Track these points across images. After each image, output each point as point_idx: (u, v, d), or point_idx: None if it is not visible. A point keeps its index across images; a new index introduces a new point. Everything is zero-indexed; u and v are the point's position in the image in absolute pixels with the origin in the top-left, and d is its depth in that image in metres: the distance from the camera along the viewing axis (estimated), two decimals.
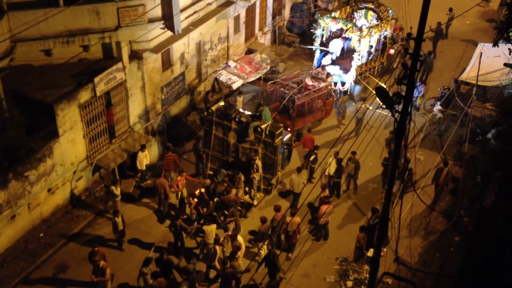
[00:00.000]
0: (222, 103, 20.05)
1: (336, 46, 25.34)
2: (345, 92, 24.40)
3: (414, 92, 15.51)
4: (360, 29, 24.05)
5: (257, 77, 23.89)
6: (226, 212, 18.01)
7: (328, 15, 25.06)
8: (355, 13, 26.29)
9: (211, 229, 16.87)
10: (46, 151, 17.25)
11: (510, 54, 18.28)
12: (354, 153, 18.87)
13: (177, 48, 21.77)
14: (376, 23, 25.09)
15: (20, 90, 16.98)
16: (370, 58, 25.40)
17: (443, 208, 19.60)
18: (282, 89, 22.96)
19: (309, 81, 23.07)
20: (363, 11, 26.30)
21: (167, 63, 21.71)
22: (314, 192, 16.67)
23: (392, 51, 25.74)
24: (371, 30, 24.18)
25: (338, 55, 25.50)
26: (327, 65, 24.72)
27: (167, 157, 19.52)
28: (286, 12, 29.51)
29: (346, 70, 24.72)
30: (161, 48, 20.30)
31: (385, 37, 25.53)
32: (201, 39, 23.08)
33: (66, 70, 17.76)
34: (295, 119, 22.17)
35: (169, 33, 20.10)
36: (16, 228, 17.19)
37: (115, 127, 19.60)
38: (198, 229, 17.68)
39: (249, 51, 26.43)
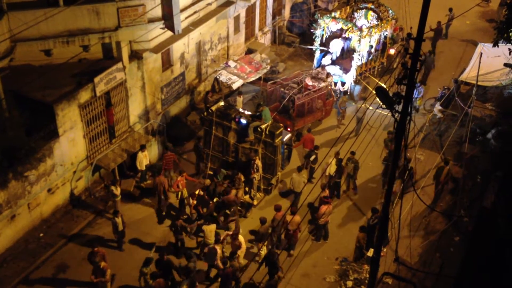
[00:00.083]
0: (222, 103, 20.05)
1: (336, 46, 25.34)
2: (345, 92, 24.40)
3: (414, 93, 15.51)
4: (360, 29, 24.05)
5: (257, 77, 23.89)
6: (227, 212, 18.01)
7: (328, 15, 25.05)
8: (355, 13, 26.30)
9: (210, 229, 16.89)
10: (46, 151, 17.25)
11: (510, 54, 18.29)
12: (353, 153, 18.88)
13: (177, 48, 21.77)
14: (376, 23, 25.09)
15: (20, 90, 16.97)
16: (370, 58, 25.40)
17: (443, 208, 19.60)
18: (282, 89, 22.96)
19: (309, 81, 23.07)
20: (363, 11, 26.31)
21: (167, 63, 21.71)
22: (314, 192, 16.67)
23: (392, 51, 25.74)
24: (371, 30, 24.18)
25: (338, 55, 25.49)
26: (327, 65, 24.72)
27: (166, 156, 19.58)
28: (286, 12, 29.51)
29: (346, 70, 24.72)
30: (161, 48, 20.30)
31: (385, 37, 25.53)
32: (201, 39, 23.08)
33: (66, 70, 17.76)
34: (295, 119, 22.16)
35: (169, 33, 20.10)
36: (16, 228, 17.19)
37: (115, 127, 19.60)
38: (198, 228, 17.68)
39: (249, 51, 26.43)
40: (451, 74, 25.72)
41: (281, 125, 19.69)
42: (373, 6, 25.91)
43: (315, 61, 25.66)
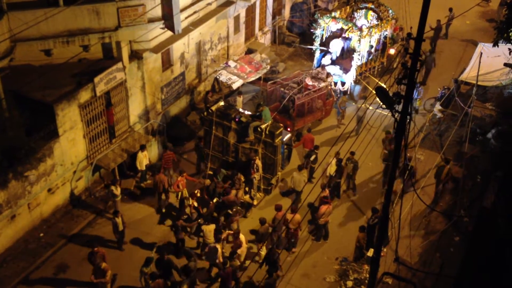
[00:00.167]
0: (222, 103, 20.05)
1: (336, 46, 25.34)
2: (345, 92, 24.39)
3: (414, 93, 15.49)
4: (360, 29, 24.05)
5: (257, 77, 23.89)
6: (229, 212, 18.01)
7: (328, 15, 25.05)
8: (355, 13, 26.30)
9: (210, 229, 16.92)
10: (46, 151, 17.25)
11: (510, 54, 18.29)
12: (353, 153, 18.88)
13: (177, 48, 21.77)
14: (376, 23, 25.09)
15: (20, 90, 16.97)
16: (370, 58, 25.40)
17: (443, 208, 19.60)
18: (282, 89, 22.96)
19: (309, 81, 23.07)
20: (363, 11, 26.31)
21: (167, 63, 21.71)
22: (314, 192, 16.67)
23: (392, 51, 25.74)
24: (371, 30, 24.18)
25: (338, 55, 25.49)
26: (327, 65, 24.72)
27: (165, 156, 19.67)
28: (286, 12, 29.51)
29: (346, 70, 24.71)
30: (161, 48, 20.30)
31: (385, 37, 25.53)
32: (201, 39, 23.08)
33: (66, 70, 17.77)
34: (295, 119, 22.16)
35: (169, 33, 20.10)
36: (16, 228, 17.19)
37: (115, 127, 19.60)
38: (199, 228, 17.68)
39: (249, 51, 26.43)
40: (451, 74, 25.71)
41: (281, 125, 19.69)
42: (373, 6, 25.91)
43: (315, 61, 25.66)
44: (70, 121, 17.72)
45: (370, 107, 21.26)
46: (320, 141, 22.12)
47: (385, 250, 16.75)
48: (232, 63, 23.83)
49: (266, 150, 19.20)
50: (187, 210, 18.04)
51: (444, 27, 28.98)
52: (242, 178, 18.74)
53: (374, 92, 10.89)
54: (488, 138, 22.01)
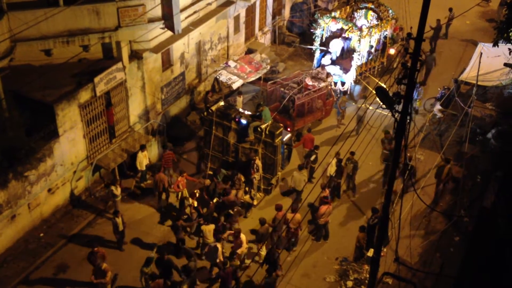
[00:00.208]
0: (222, 103, 20.05)
1: (335, 46, 25.34)
2: (345, 92, 24.39)
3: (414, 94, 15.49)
4: (360, 29, 24.05)
5: (257, 77, 23.89)
6: (231, 212, 18.01)
7: (328, 15, 25.06)
8: (355, 13, 26.30)
9: (209, 229, 16.94)
10: (46, 151, 17.24)
11: (510, 54, 18.29)
12: (353, 153, 18.87)
13: (177, 48, 21.77)
14: (376, 23, 25.09)
15: (20, 90, 16.97)
16: (370, 58, 25.40)
17: (443, 208, 19.60)
18: (282, 89, 22.96)
19: (309, 81, 23.07)
20: (363, 11, 26.31)
21: (167, 63, 21.70)
22: (314, 192, 16.67)
23: (392, 51, 25.75)
24: (371, 30, 24.18)
25: (338, 55, 25.49)
26: (327, 65, 24.72)
27: (165, 155, 19.72)
28: (286, 12, 29.51)
29: (346, 70, 24.71)
30: (161, 48, 20.30)
31: (385, 37, 25.53)
32: (201, 39, 23.08)
33: (66, 70, 17.77)
34: (295, 119, 22.16)
35: (169, 33, 20.10)
36: (16, 228, 17.19)
37: (115, 127, 19.60)
38: (198, 227, 17.69)
39: (249, 51, 26.43)
40: (451, 74, 25.72)
41: (281, 125, 19.69)
42: (373, 6, 25.92)
43: (315, 61, 25.66)
44: (70, 121, 17.72)
45: (370, 107, 21.26)
46: (320, 141, 22.13)
47: (385, 250, 16.74)
48: (232, 63, 23.83)
49: (266, 150, 19.20)
50: (187, 210, 18.06)
51: (444, 27, 28.98)
52: (242, 178, 18.74)
53: (374, 92, 10.89)
54: (488, 138, 22.01)
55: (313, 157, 20.13)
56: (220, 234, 16.83)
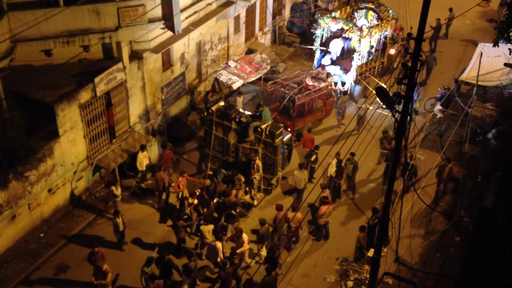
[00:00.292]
0: (222, 103, 20.05)
1: (336, 46, 25.34)
2: (345, 92, 24.40)
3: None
4: (361, 29, 24.05)
5: (257, 77, 23.88)
6: (233, 212, 18.00)
7: (328, 15, 25.07)
8: (355, 13, 26.30)
9: (208, 229, 16.97)
10: (47, 151, 17.25)
11: (510, 54, 18.29)
12: (353, 154, 18.86)
13: (177, 48, 21.77)
14: (377, 23, 25.09)
15: (20, 90, 16.98)
16: (370, 58, 25.40)
17: (444, 208, 19.60)
18: (282, 89, 22.96)
19: (309, 81, 23.07)
20: (363, 11, 26.31)
21: (167, 63, 21.71)
22: (314, 192, 16.67)
23: (392, 51, 25.74)
24: (371, 30, 24.18)
25: (338, 55, 25.49)
26: (327, 65, 24.72)
27: (164, 155, 19.78)
28: (286, 12, 29.51)
29: (346, 70, 24.71)
30: (161, 48, 20.30)
31: (385, 37, 25.53)
32: (201, 39, 23.08)
33: (66, 70, 17.78)
34: (295, 119, 22.16)
35: (169, 33, 20.10)
36: (16, 229, 17.19)
37: (116, 127, 19.60)
38: (198, 226, 17.71)
39: (249, 51, 26.43)
40: (451, 74, 25.71)
41: (281, 125, 19.69)
42: (373, 6, 25.92)
43: (315, 61, 25.66)
44: (71, 121, 17.72)
45: (371, 107, 21.26)
46: (320, 141, 22.12)
47: (385, 250, 16.75)
48: (232, 63, 23.83)
49: (266, 150, 19.20)
50: (187, 210, 18.07)
51: (444, 27, 28.99)
52: (242, 179, 18.74)
53: (374, 92, 10.89)
54: (489, 138, 22.01)
55: (313, 157, 20.13)
56: (221, 234, 16.83)
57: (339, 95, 24.09)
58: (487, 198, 18.07)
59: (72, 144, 18.08)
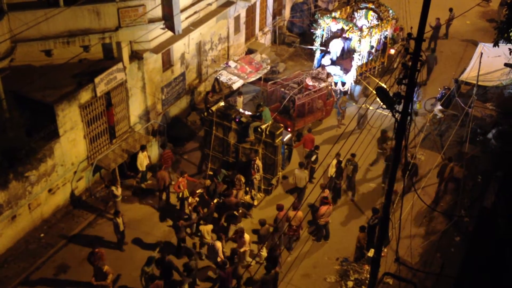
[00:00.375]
0: (222, 104, 20.05)
1: (336, 46, 25.34)
2: (345, 92, 24.40)
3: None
4: (361, 29, 24.05)
5: (258, 77, 23.88)
6: (236, 213, 17.99)
7: (328, 15, 25.07)
8: (356, 13, 26.30)
9: (207, 229, 16.97)
10: (47, 152, 17.25)
11: (510, 54, 18.29)
12: (353, 155, 18.85)
13: (178, 48, 21.77)
14: (377, 23, 25.09)
15: (21, 91, 16.98)
16: (370, 58, 25.40)
17: (444, 208, 19.59)
18: (282, 89, 22.95)
19: (309, 81, 23.07)
20: (364, 11, 26.31)
21: (167, 64, 21.71)
22: (314, 192, 16.68)
23: (392, 51, 25.74)
24: (371, 30, 24.18)
25: (338, 55, 25.49)
26: (328, 65, 24.72)
27: (164, 154, 19.85)
28: (287, 12, 29.51)
29: (346, 71, 24.71)
30: (162, 49, 20.30)
31: (385, 37, 25.53)
32: (201, 39, 23.08)
33: (67, 70, 17.78)
34: (296, 119, 22.16)
35: (169, 34, 20.11)
36: (16, 229, 17.20)
37: (116, 128, 19.60)
38: (198, 226, 17.73)
39: (250, 51, 26.44)
40: (452, 74, 25.72)
41: (282, 125, 19.70)
42: (373, 6, 25.92)
43: (315, 61, 25.67)
44: (71, 122, 17.73)
45: (371, 107, 21.26)
46: (321, 141, 22.12)
47: (385, 250, 16.75)
48: (232, 64, 23.83)
49: (266, 150, 19.20)
50: (187, 210, 18.07)
51: (444, 27, 28.99)
52: (243, 179, 18.74)
53: (375, 92, 10.89)
54: (489, 138, 22.01)
55: (313, 158, 20.13)
56: (221, 233, 16.83)
57: (339, 95, 24.09)
58: (487, 198, 18.08)
59: (72, 144, 18.08)
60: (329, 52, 25.32)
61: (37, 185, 17.26)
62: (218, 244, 16.31)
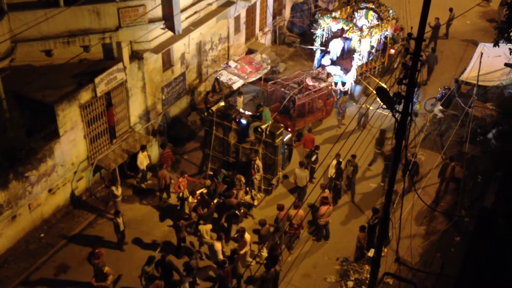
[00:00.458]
0: (222, 104, 20.06)
1: (336, 46, 25.34)
2: (346, 92, 24.40)
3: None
4: (361, 29, 24.05)
5: (258, 77, 23.88)
6: (237, 213, 17.99)
7: (328, 15, 25.07)
8: (356, 13, 26.30)
9: (206, 229, 16.97)
10: (47, 152, 17.25)
11: (510, 54, 18.29)
12: (354, 156, 18.85)
13: (178, 48, 21.77)
14: (377, 23, 25.09)
15: (21, 91, 16.98)
16: (370, 58, 25.39)
17: (444, 208, 19.59)
18: (282, 89, 22.95)
19: (309, 81, 23.07)
20: (364, 11, 26.31)
21: (167, 64, 21.71)
22: (314, 192, 16.67)
23: (392, 51, 25.74)
24: (371, 30, 24.18)
25: (338, 55, 25.49)
26: (328, 65, 24.72)
27: (164, 154, 19.93)
28: (287, 12, 29.52)
29: (346, 70, 24.71)
30: (162, 49, 20.31)
31: (385, 37, 25.53)
32: (201, 39, 23.08)
33: (67, 70, 17.79)
34: (296, 119, 22.16)
35: (169, 34, 20.11)
36: (16, 229, 17.20)
37: (116, 128, 19.60)
38: (197, 225, 17.73)
39: (250, 51, 26.44)
40: (452, 74, 25.72)
41: (282, 125, 19.70)
42: (373, 6, 25.91)
43: (316, 61, 25.66)
44: (71, 122, 17.73)
45: (371, 107, 21.26)
46: (321, 141, 22.12)
47: (385, 250, 16.75)
48: (232, 64, 23.84)
49: (266, 150, 19.20)
50: (187, 210, 18.08)
51: (444, 27, 28.99)
52: (243, 179, 18.74)
53: (375, 92, 10.89)
54: (489, 138, 22.00)
55: (313, 158, 20.13)
56: (221, 233, 16.83)
57: (339, 95, 24.09)
58: (487, 198, 18.08)
59: (72, 144, 18.08)
60: (329, 52, 25.31)
61: (37, 185, 17.26)
62: (218, 245, 16.31)
